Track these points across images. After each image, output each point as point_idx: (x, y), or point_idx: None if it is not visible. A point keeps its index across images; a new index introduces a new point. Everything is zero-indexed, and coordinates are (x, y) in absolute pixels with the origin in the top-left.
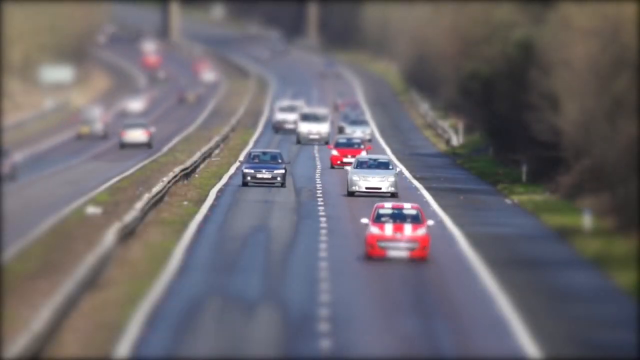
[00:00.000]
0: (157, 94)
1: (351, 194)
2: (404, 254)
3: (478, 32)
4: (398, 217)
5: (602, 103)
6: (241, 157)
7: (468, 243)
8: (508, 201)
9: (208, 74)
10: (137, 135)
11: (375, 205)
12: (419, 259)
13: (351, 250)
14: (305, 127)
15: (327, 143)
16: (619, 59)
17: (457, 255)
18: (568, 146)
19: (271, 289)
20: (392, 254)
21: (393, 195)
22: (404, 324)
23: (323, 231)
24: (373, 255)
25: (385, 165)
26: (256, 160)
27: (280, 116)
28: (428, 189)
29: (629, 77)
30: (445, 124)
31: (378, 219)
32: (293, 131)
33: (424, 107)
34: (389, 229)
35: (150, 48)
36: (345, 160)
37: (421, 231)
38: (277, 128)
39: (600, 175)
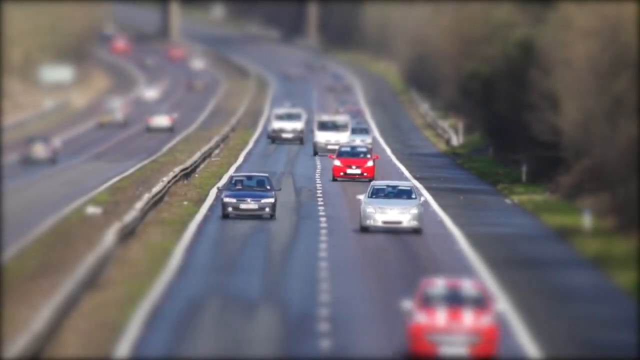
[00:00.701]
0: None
1: (365, 229)
2: (462, 350)
3: (478, 32)
4: (454, 300)
5: (602, 103)
6: (219, 183)
7: (468, 243)
8: (508, 201)
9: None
10: (161, 121)
11: (423, 282)
12: (483, 356)
13: (351, 251)
14: (323, 137)
15: None
16: (619, 59)
17: (457, 255)
18: (568, 146)
19: (271, 288)
20: (447, 350)
21: (416, 231)
22: (403, 323)
23: (323, 231)
24: (419, 352)
25: (407, 194)
26: (239, 187)
27: (277, 124)
28: (428, 189)
29: (629, 77)
30: (445, 124)
31: (426, 303)
32: (291, 141)
33: (424, 107)
34: (441, 316)
35: (109, 31)
36: (349, 171)
37: (486, 320)
38: (274, 137)
39: (600, 175)
